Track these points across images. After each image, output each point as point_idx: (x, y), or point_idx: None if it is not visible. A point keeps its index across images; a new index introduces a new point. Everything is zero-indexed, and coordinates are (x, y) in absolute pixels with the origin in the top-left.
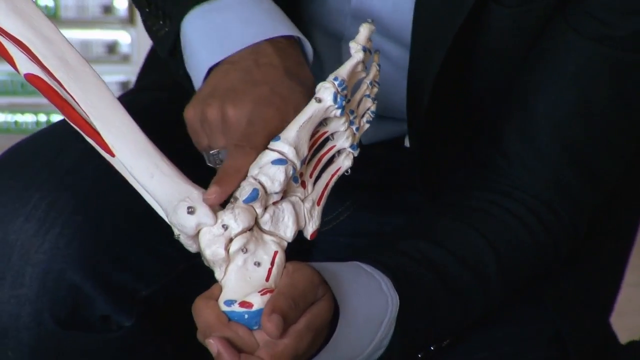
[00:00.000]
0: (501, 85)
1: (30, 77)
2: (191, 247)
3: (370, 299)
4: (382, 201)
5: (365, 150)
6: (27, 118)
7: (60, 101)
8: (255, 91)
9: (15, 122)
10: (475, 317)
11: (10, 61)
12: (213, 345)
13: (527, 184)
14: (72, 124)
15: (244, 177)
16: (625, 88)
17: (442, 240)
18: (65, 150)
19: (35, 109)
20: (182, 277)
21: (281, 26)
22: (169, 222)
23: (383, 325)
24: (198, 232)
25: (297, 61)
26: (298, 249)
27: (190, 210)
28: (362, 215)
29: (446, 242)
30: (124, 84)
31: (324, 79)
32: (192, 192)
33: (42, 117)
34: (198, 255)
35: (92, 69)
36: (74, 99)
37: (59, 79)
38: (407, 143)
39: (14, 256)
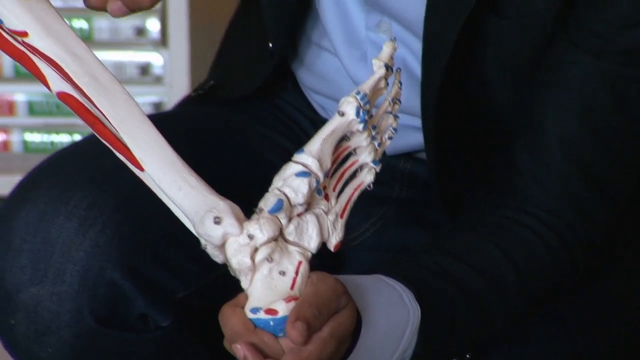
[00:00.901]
0: (509, 99)
1: (62, 95)
2: (218, 258)
3: (391, 310)
4: (406, 217)
5: (391, 165)
6: (63, 138)
7: (91, 118)
8: None
9: (51, 142)
10: (496, 328)
11: (43, 80)
12: (240, 350)
13: (540, 200)
14: (102, 140)
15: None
16: (628, 102)
17: (461, 254)
18: (106, 153)
19: (70, 129)
20: (220, 282)
21: None
22: (195, 234)
23: (405, 336)
24: (224, 243)
25: None
26: (327, 265)
27: (217, 221)
28: (387, 231)
29: (465, 256)
30: (156, 105)
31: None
32: (218, 204)
33: (77, 137)
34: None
35: (121, 87)
36: (104, 115)
37: (89, 96)
38: (420, 155)
39: (55, 254)
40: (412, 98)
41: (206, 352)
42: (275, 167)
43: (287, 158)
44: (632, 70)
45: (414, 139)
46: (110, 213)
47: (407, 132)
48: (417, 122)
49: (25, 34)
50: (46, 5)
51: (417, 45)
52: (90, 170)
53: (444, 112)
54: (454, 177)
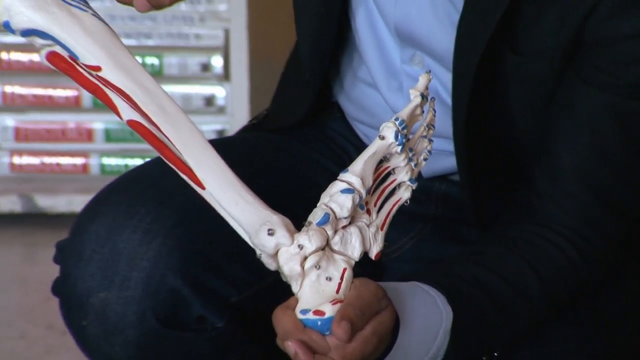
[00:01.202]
0: (527, 127)
1: (131, 123)
2: (271, 265)
3: (426, 312)
4: (442, 233)
5: (427, 187)
6: (136, 161)
7: (158, 143)
8: None
9: (126, 165)
10: (521, 331)
11: (114, 109)
12: (291, 347)
13: (560, 219)
14: (167, 162)
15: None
16: (632, 130)
17: (491, 265)
18: (168, 174)
19: (142, 154)
20: (271, 288)
21: None
22: (251, 244)
23: (439, 336)
24: (277, 252)
25: None
26: (369, 273)
27: (270, 232)
28: (424, 245)
29: (494, 267)
30: (219, 132)
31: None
32: (271, 217)
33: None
34: None
35: (185, 115)
36: (169, 140)
37: (156, 123)
38: (454, 177)
39: (122, 262)
40: (445, 124)
41: (257, 350)
42: (321, 188)
43: (332, 179)
44: (635, 102)
45: (448, 162)
46: (171, 227)
47: (441, 157)
48: (451, 146)
49: (98, 68)
50: (117, 42)
51: (447, 77)
52: (154, 189)
53: (474, 138)
54: (485, 196)
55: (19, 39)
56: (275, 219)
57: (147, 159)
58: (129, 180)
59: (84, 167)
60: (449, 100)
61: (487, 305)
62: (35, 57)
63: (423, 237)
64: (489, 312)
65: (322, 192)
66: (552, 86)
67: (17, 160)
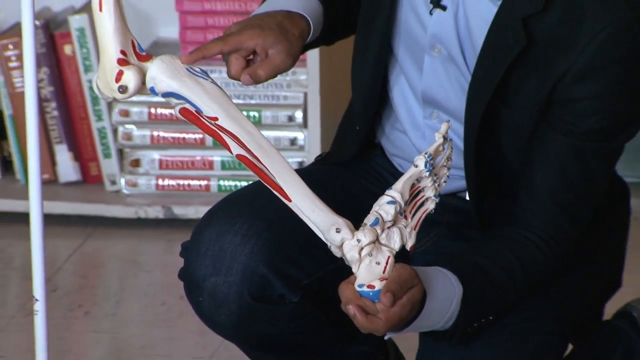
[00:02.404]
0: (516, 160)
1: (239, 157)
2: (337, 254)
3: (445, 287)
4: (452, 234)
5: (442, 201)
6: (243, 183)
7: (257, 170)
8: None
9: (235, 186)
10: (509, 302)
11: (227, 147)
12: (351, 310)
13: (536, 225)
14: (264, 183)
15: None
16: (588, 163)
17: (488, 254)
18: (260, 195)
19: (247, 178)
20: (330, 274)
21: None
22: (324, 239)
23: (453, 304)
24: (342, 245)
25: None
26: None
27: (338, 230)
28: (440, 242)
29: (490, 256)
30: (299, 163)
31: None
32: (338, 220)
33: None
34: (340, 260)
35: (277, 150)
36: (266, 168)
37: (257, 156)
38: (466, 196)
39: (227, 257)
40: (458, 159)
41: (322, 317)
42: (366, 204)
43: (375, 198)
44: (590, 143)
45: (458, 184)
46: (261, 232)
47: (453, 181)
48: (461, 173)
49: (216, 118)
50: (228, 100)
51: (459, 127)
52: (249, 206)
53: (479, 169)
54: (485, 207)
55: (163, 99)
56: (340, 221)
57: (251, 182)
58: (231, 200)
59: (207, 187)
60: (460, 144)
61: (485, 282)
62: (172, 111)
63: (439, 237)
64: (487, 287)
65: (367, 206)
66: (531, 132)
67: (160, 182)
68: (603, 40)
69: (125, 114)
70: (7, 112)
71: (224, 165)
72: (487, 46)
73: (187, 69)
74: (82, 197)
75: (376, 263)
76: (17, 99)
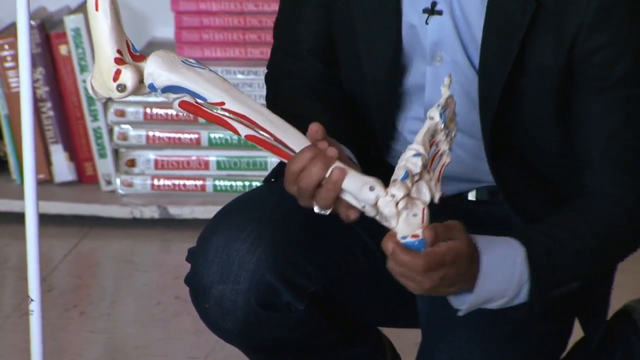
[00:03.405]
0: (542, 131)
1: (248, 137)
2: (371, 213)
3: (502, 247)
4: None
5: (443, 202)
6: (238, 184)
7: (271, 147)
8: None
9: (231, 186)
10: (589, 268)
11: (234, 130)
12: (390, 246)
13: (601, 191)
14: (282, 159)
15: None
16: (632, 115)
17: (550, 222)
18: (267, 201)
19: (242, 178)
20: (335, 281)
21: None
22: (356, 202)
23: (518, 264)
24: (376, 202)
25: None
26: None
27: (371, 189)
28: None
29: (553, 222)
30: None
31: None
32: (369, 179)
33: (247, 183)
34: (345, 266)
35: (289, 124)
36: (282, 143)
37: (271, 132)
38: (469, 197)
39: (234, 265)
40: (470, 161)
41: (327, 324)
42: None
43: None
44: (626, 92)
45: (459, 187)
46: (269, 240)
47: (455, 183)
48: (464, 175)
49: (222, 103)
50: (229, 85)
51: (468, 141)
52: (257, 213)
53: (498, 141)
54: (517, 197)
55: (159, 99)
56: (372, 180)
57: (246, 182)
58: (239, 206)
59: (202, 187)
60: (466, 155)
61: (550, 242)
62: (168, 111)
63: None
64: (552, 247)
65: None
66: (554, 101)
67: (156, 182)
68: None
69: (121, 114)
70: (3, 112)
71: (219, 165)
72: (491, 21)
73: (182, 61)
74: (78, 197)
75: (413, 215)
76: (13, 99)
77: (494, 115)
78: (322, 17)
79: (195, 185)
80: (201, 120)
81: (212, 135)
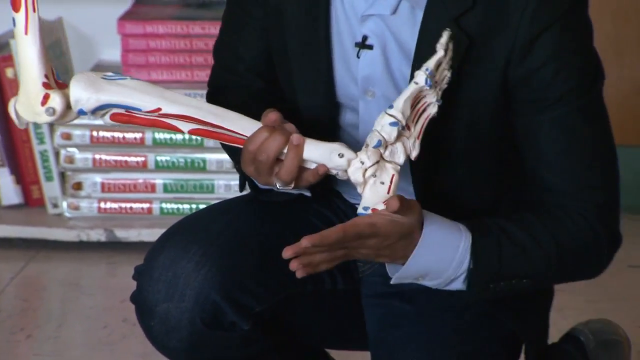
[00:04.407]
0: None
1: (192, 132)
2: (343, 177)
3: (450, 227)
4: None
5: None
6: (185, 207)
7: (215, 135)
8: None
9: (178, 209)
10: (541, 271)
11: (175, 129)
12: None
13: (561, 206)
14: (233, 145)
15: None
16: (580, 130)
17: (510, 219)
18: (214, 221)
19: (189, 201)
20: (282, 302)
21: None
22: (329, 169)
23: (461, 247)
24: (347, 169)
25: None
26: (351, 288)
27: (341, 155)
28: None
29: (512, 219)
30: None
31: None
32: (334, 145)
33: (194, 206)
34: (291, 287)
35: (230, 110)
36: (230, 131)
37: (216, 124)
38: None
39: (180, 284)
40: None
41: (272, 344)
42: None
43: (324, 220)
44: (568, 108)
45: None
46: (215, 259)
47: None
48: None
49: (159, 109)
50: (157, 87)
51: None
52: (203, 233)
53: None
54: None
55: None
56: (337, 146)
57: (193, 205)
58: (185, 226)
59: (149, 210)
60: (407, 187)
61: (502, 237)
62: (115, 134)
63: None
64: (504, 242)
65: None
66: (489, 133)
67: (102, 205)
68: (532, 11)
69: (68, 137)
70: None
71: (166, 188)
72: (423, 57)
73: (102, 77)
74: (24, 220)
75: (380, 183)
76: None
77: (426, 154)
78: (262, 38)
79: (142, 208)
80: (148, 142)
81: (158, 158)
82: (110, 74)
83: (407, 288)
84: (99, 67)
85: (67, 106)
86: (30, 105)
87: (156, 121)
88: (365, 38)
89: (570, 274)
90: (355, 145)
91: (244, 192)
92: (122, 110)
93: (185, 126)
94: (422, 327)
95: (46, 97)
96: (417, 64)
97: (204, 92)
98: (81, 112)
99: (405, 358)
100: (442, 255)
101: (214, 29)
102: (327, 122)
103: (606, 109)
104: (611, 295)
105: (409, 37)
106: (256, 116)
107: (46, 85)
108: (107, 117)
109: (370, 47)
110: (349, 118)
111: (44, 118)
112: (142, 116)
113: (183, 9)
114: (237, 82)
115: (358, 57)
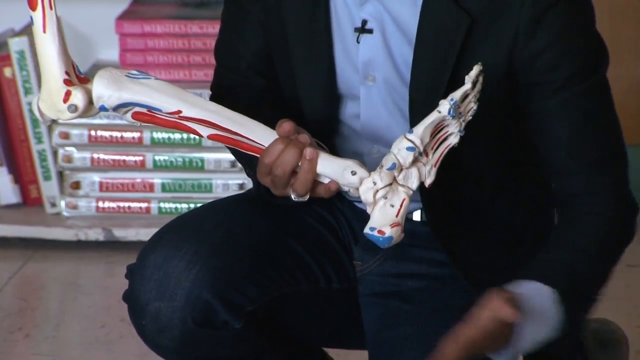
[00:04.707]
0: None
1: (212, 137)
2: (354, 195)
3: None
4: (399, 254)
5: None
6: (183, 206)
7: (233, 142)
8: None
9: (176, 208)
10: (604, 276)
11: (196, 133)
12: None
13: (579, 195)
14: (252, 154)
15: None
16: (588, 111)
17: (554, 247)
18: (207, 220)
19: (187, 200)
20: (274, 301)
21: None
22: (341, 186)
23: (552, 309)
24: (359, 187)
25: None
26: (350, 287)
27: (353, 173)
28: (387, 263)
29: (556, 246)
30: (240, 185)
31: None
32: (347, 162)
33: (192, 205)
34: (284, 287)
35: (249, 118)
36: (248, 139)
37: (235, 131)
38: (414, 217)
39: (171, 283)
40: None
41: (265, 343)
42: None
43: (320, 220)
44: (574, 90)
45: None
46: (206, 258)
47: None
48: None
49: (179, 111)
50: (180, 89)
51: None
52: (195, 231)
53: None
54: (443, 224)
55: (104, 121)
56: (350, 163)
57: (192, 204)
58: (178, 225)
59: (147, 209)
60: None
61: (568, 273)
62: (113, 133)
63: (386, 258)
64: (569, 272)
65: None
66: (493, 116)
67: (101, 204)
68: None
69: (66, 136)
70: None
71: (164, 188)
72: (424, 38)
73: (126, 75)
74: (22, 220)
75: (390, 205)
76: None
77: None
78: (261, 35)
79: (140, 208)
80: (146, 142)
81: (157, 158)
82: (134, 72)
83: (405, 288)
84: (97, 67)
85: (90, 102)
86: (52, 102)
87: (177, 124)
88: (364, 22)
89: (618, 254)
90: (355, 137)
91: (243, 192)
92: (144, 110)
93: (205, 131)
94: (420, 327)
95: (68, 94)
96: (419, 46)
97: (202, 91)
98: (103, 109)
99: (404, 358)
100: (541, 325)
101: (212, 28)
102: (328, 116)
103: (609, 85)
104: (610, 295)
105: (409, 19)
106: (268, 118)
107: (67, 82)
108: (128, 115)
109: (370, 32)
110: (350, 108)
111: (67, 115)
112: (164, 117)
113: (181, 9)
114: (239, 81)
115: (358, 42)
